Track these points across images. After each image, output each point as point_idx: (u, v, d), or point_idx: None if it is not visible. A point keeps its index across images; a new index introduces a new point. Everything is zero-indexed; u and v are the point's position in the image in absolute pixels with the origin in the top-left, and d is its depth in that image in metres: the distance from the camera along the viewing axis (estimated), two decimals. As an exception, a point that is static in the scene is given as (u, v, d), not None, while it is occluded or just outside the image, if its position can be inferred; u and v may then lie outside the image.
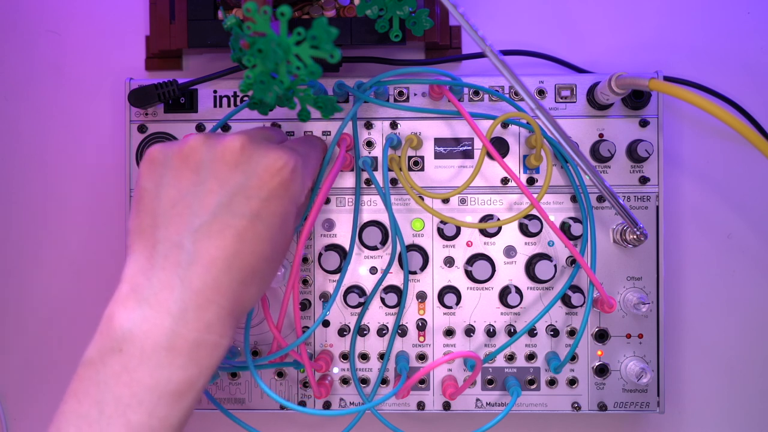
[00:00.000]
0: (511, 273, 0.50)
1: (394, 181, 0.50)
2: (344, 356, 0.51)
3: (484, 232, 0.50)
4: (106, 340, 0.34)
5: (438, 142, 0.50)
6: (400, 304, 0.50)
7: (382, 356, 0.51)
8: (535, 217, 0.49)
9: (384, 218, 0.50)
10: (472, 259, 0.50)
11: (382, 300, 0.49)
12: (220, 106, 0.51)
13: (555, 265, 0.49)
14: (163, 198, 0.37)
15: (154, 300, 0.34)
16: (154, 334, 0.34)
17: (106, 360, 0.34)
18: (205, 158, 0.37)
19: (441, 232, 0.50)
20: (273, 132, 0.43)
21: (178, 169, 0.37)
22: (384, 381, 0.51)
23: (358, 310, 0.51)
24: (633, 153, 0.49)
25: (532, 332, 0.50)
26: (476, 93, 0.50)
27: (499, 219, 0.50)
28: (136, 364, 0.33)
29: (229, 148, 0.36)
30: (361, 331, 0.51)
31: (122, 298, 0.35)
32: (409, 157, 0.50)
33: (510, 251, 0.50)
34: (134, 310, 0.34)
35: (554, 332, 0.50)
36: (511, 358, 0.51)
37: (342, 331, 0.50)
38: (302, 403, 0.51)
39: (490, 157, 0.50)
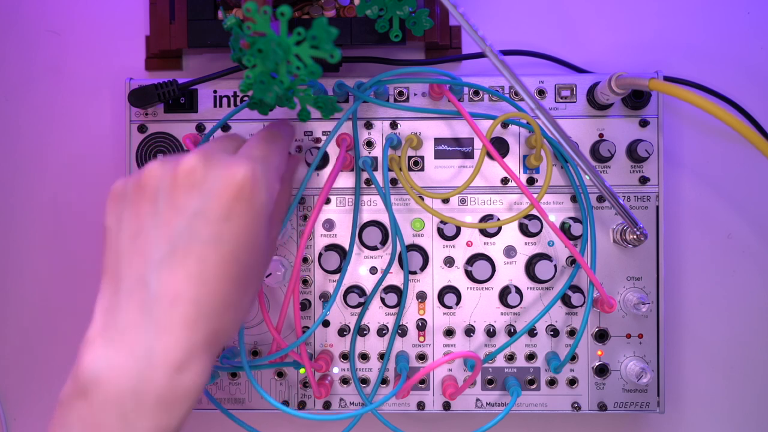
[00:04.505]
0: (511, 273, 0.50)
1: (394, 181, 0.50)
2: (344, 356, 0.51)
3: (484, 232, 0.50)
4: (74, 383, 0.33)
5: (438, 142, 0.50)
6: (400, 304, 0.50)
7: (382, 356, 0.51)
8: (535, 217, 0.49)
9: (384, 218, 0.50)
10: (472, 259, 0.50)
11: (382, 300, 0.49)
12: (220, 106, 0.51)
13: (555, 265, 0.49)
14: (124, 233, 0.35)
15: (119, 340, 0.32)
16: (119, 378, 0.31)
17: (73, 403, 0.32)
18: (160, 186, 0.35)
19: (441, 232, 0.50)
20: (230, 140, 0.41)
21: (136, 202, 0.35)
22: (384, 381, 0.51)
23: (358, 310, 0.51)
24: (633, 153, 0.49)
25: (532, 332, 0.50)
26: (476, 93, 0.50)
27: (499, 219, 0.50)
28: (99, 410, 0.31)
29: (183, 170, 0.35)
30: (361, 331, 0.51)
31: (90, 339, 0.33)
32: (409, 157, 0.50)
33: (510, 251, 0.50)
34: (99, 351, 0.32)
35: (554, 332, 0.50)
36: (511, 358, 0.51)
37: (342, 331, 0.50)
38: (302, 404, 0.51)
39: (490, 157, 0.50)
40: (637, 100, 0.49)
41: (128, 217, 0.35)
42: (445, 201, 0.50)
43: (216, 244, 0.33)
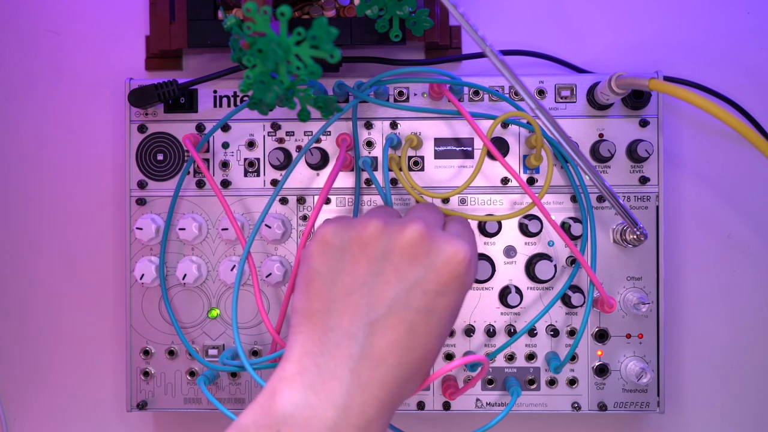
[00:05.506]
0: (511, 273, 0.50)
1: (394, 181, 0.50)
2: (344, 356, 0.51)
3: (484, 232, 0.50)
4: (264, 415, 0.33)
5: (438, 142, 0.50)
6: (400, 304, 0.50)
7: (382, 356, 0.50)
8: (535, 217, 0.49)
9: (384, 218, 0.50)
10: (472, 259, 0.50)
11: (382, 300, 0.49)
12: (220, 106, 0.51)
13: (555, 265, 0.49)
14: (338, 284, 0.36)
15: (320, 388, 0.33)
16: (315, 423, 0.33)
17: None
18: (383, 248, 0.36)
19: (441, 232, 0.50)
20: (437, 213, 0.42)
21: (356, 256, 0.36)
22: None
23: (358, 310, 0.50)
24: (633, 153, 0.49)
25: (532, 332, 0.50)
26: (476, 93, 0.50)
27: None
28: None
29: (408, 239, 0.36)
30: (361, 331, 0.50)
31: (288, 378, 0.34)
32: (409, 157, 0.50)
33: (510, 251, 0.50)
34: (298, 393, 0.33)
35: (554, 332, 0.50)
36: (511, 358, 0.51)
37: (342, 331, 0.50)
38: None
39: (490, 156, 0.50)
40: (637, 100, 0.49)
41: (344, 270, 0.36)
42: (446, 201, 0.50)
43: (427, 315, 0.35)
